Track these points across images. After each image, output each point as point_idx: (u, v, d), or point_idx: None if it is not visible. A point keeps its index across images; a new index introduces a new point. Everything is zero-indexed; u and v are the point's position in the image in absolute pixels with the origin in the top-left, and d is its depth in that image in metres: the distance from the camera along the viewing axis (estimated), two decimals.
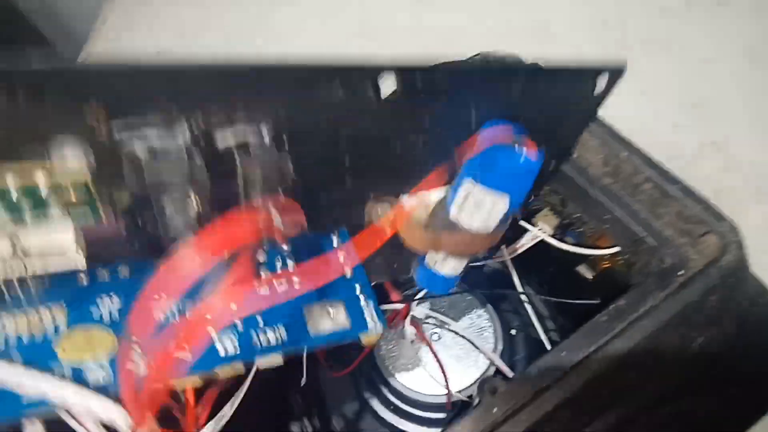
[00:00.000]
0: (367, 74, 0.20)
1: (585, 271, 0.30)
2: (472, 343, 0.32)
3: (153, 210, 0.20)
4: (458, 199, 0.25)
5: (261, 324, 0.22)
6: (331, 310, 0.23)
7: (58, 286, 0.22)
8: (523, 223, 0.30)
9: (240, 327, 0.22)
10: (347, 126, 0.21)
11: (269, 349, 0.22)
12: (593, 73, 0.23)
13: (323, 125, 0.21)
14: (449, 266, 0.28)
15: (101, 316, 0.21)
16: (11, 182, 0.17)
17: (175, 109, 0.18)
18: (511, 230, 0.31)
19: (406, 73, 0.20)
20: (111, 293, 0.22)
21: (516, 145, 0.22)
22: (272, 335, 0.22)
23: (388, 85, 0.21)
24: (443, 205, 0.26)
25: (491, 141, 0.23)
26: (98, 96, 0.17)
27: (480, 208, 0.24)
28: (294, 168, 0.22)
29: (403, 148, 0.23)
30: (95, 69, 0.16)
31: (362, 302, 0.24)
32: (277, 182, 0.21)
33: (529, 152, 0.22)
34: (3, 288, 0.20)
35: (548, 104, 0.23)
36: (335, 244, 0.26)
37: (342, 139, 0.22)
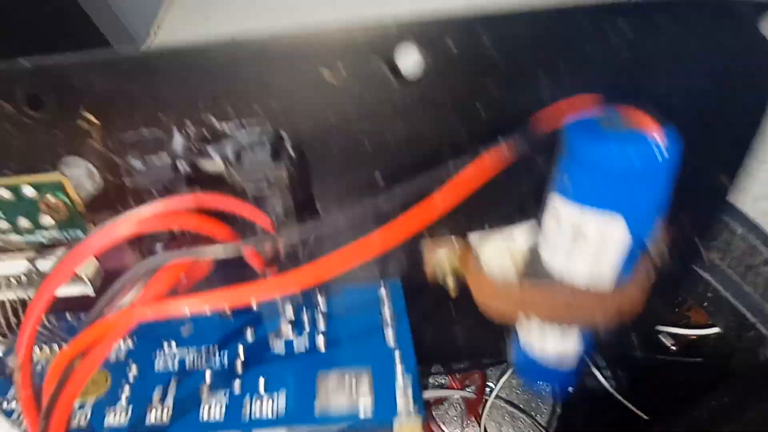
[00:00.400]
0: (377, 47, 0.15)
1: (664, 337, 0.25)
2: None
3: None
4: (548, 228, 0.16)
5: (261, 388, 0.17)
6: (351, 380, 0.17)
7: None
8: None
9: (236, 389, 0.17)
10: (367, 122, 0.16)
11: (261, 424, 0.16)
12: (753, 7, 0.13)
13: (333, 123, 0.16)
14: (551, 343, 0.18)
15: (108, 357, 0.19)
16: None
17: (161, 113, 0.16)
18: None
19: (433, 38, 0.15)
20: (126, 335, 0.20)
21: (620, 126, 0.14)
22: (269, 406, 0.17)
23: (411, 60, 0.15)
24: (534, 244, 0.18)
25: (578, 124, 0.14)
26: (85, 98, 0.16)
27: (580, 240, 0.15)
28: (305, 187, 0.17)
29: (452, 152, 0.17)
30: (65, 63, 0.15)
31: (398, 376, 0.17)
32: (272, 199, 0.16)
33: (645, 136, 0.13)
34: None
35: (684, 64, 0.14)
36: (383, 296, 0.20)
37: (363, 142, 0.17)
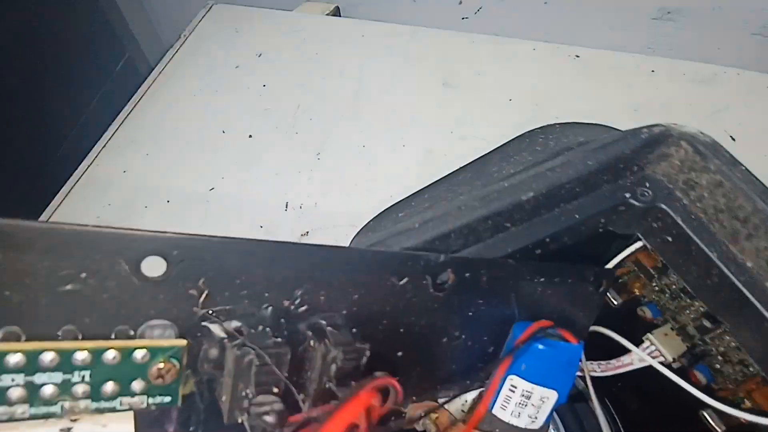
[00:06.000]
0: (429, 269, 0.22)
1: (714, 421, 0.22)
2: None
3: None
4: (502, 396, 0.25)
5: None
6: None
7: None
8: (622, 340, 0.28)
9: None
10: (405, 315, 0.22)
11: None
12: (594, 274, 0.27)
13: (387, 313, 0.22)
14: None
15: None
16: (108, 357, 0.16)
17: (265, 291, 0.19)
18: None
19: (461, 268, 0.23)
20: None
21: (556, 338, 0.25)
22: None
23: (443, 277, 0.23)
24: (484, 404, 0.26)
25: (529, 336, 0.25)
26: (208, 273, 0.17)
27: (526, 403, 0.25)
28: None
29: (447, 344, 0.24)
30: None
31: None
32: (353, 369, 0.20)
33: (569, 343, 0.24)
34: None
35: (561, 300, 0.26)
36: None
37: (399, 330, 0.23)
